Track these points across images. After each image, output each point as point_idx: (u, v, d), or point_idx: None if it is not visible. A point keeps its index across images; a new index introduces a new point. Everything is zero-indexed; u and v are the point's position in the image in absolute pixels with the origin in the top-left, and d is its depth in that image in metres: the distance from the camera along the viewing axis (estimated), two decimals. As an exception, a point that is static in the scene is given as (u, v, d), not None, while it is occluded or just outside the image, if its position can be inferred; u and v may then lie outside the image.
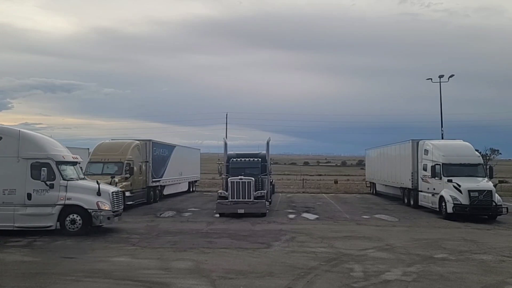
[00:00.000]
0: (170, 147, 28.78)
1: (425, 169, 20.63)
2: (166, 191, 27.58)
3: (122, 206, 15.10)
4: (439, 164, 19.15)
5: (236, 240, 12.53)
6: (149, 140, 24.98)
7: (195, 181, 36.55)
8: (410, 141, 22.75)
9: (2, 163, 13.17)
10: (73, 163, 14.56)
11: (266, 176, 20.92)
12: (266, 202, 19.30)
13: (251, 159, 21.32)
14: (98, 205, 13.31)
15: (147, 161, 24.15)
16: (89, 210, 13.20)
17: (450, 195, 17.88)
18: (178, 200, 27.11)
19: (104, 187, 13.92)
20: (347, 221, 17.57)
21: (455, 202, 17.56)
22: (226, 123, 61.06)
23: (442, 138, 31.06)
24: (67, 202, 13.18)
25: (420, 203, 21.39)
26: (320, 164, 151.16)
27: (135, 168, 21.95)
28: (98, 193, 13.49)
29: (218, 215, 18.30)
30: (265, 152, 21.69)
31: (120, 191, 15.28)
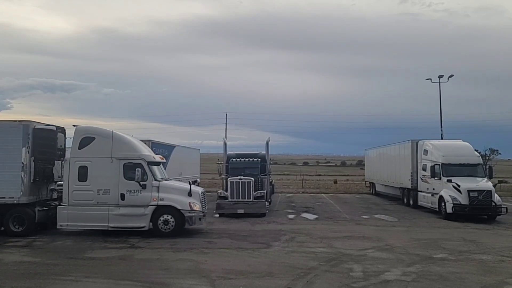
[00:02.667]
0: (170, 147, 28.72)
1: (424, 169, 20.64)
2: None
3: (207, 206, 14.96)
4: (439, 164, 19.16)
5: (236, 240, 12.53)
6: (149, 140, 24.85)
7: (195, 181, 36.52)
8: (410, 141, 22.76)
9: (97, 163, 13.21)
10: (159, 164, 14.48)
11: (266, 176, 20.93)
12: (266, 202, 19.29)
13: (251, 159, 21.32)
14: (190, 206, 13.23)
15: (147, 161, 24.10)
16: (182, 211, 13.11)
17: (449, 195, 17.89)
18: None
19: (194, 187, 13.90)
20: (346, 221, 17.57)
21: (455, 202, 17.57)
22: (226, 123, 61.04)
23: (442, 138, 31.08)
24: (160, 202, 13.11)
25: (419, 203, 21.40)
26: (320, 164, 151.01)
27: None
28: (189, 194, 13.45)
29: (217, 215, 18.29)
30: (264, 152, 21.70)
31: (205, 191, 15.16)
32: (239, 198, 18.34)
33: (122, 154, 13.29)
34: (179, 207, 13.12)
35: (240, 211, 17.98)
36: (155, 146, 25.42)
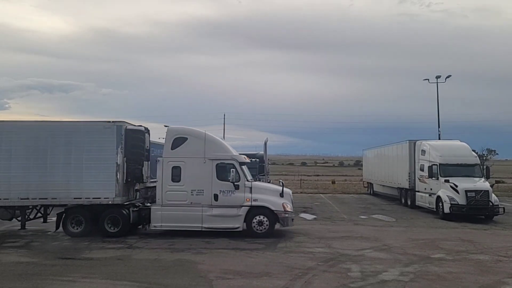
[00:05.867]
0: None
1: (422, 170, 20.68)
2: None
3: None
4: (436, 165, 19.20)
5: (234, 241, 12.51)
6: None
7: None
8: (407, 141, 22.78)
9: (190, 163, 13.20)
10: (244, 164, 14.34)
11: (264, 177, 20.90)
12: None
13: (249, 159, 21.29)
14: (283, 207, 13.17)
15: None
16: (276, 212, 13.03)
17: (447, 195, 17.93)
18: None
19: (285, 188, 13.85)
20: (344, 221, 17.59)
21: (452, 202, 17.61)
22: (224, 123, 61.09)
23: (439, 139, 31.16)
24: (254, 203, 13.06)
25: (417, 203, 21.43)
26: (318, 164, 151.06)
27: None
28: (281, 195, 13.42)
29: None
30: (262, 152, 21.69)
31: None
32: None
33: (214, 154, 13.28)
34: (273, 208, 13.05)
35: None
36: (153, 146, 25.32)
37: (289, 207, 13.33)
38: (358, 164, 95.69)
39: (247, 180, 13.36)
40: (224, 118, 61.50)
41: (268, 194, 13.42)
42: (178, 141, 13.42)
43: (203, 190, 13.07)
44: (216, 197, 13.05)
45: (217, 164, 13.21)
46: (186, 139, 13.42)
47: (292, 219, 13.57)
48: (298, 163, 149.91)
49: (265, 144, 21.33)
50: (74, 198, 13.02)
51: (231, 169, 13.07)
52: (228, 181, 13.04)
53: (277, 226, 13.43)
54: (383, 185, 28.37)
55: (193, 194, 13.08)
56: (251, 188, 13.24)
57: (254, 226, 13.03)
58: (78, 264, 9.86)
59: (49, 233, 13.99)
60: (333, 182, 45.62)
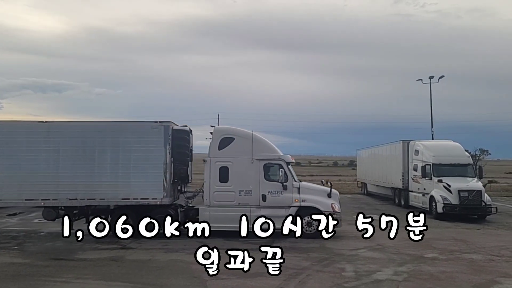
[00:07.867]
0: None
1: (415, 169, 20.78)
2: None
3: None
4: (430, 164, 19.30)
5: (229, 241, 12.47)
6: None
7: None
8: (401, 141, 22.86)
9: (237, 164, 13.15)
10: (289, 164, 14.21)
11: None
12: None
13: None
14: (332, 207, 13.07)
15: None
16: (325, 213, 12.67)
17: (440, 195, 18.03)
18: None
19: (333, 189, 13.77)
20: (338, 221, 17.59)
21: (445, 202, 17.71)
22: (218, 124, 60.77)
23: (433, 139, 31.33)
24: (302, 204, 13.01)
25: (410, 203, 21.51)
26: (312, 164, 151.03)
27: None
28: (329, 195, 13.34)
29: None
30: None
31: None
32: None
33: (262, 154, 13.26)
34: (322, 209, 12.91)
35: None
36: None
37: (337, 208, 13.27)
38: (352, 164, 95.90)
39: (295, 181, 13.34)
40: (218, 118, 61.27)
41: (316, 194, 13.39)
42: (225, 141, 13.38)
43: (251, 190, 13.05)
44: (264, 197, 13.03)
45: (264, 164, 13.23)
46: (233, 139, 13.41)
47: (341, 220, 13.31)
48: (293, 163, 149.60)
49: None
50: (122, 199, 12.88)
51: (279, 169, 13.10)
52: (276, 181, 13.05)
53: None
54: (377, 185, 28.46)
55: (241, 195, 13.06)
56: (299, 188, 13.23)
57: (303, 227, 12.63)
58: (72, 265, 9.80)
59: (41, 233, 13.90)
60: (327, 182, 45.72)
